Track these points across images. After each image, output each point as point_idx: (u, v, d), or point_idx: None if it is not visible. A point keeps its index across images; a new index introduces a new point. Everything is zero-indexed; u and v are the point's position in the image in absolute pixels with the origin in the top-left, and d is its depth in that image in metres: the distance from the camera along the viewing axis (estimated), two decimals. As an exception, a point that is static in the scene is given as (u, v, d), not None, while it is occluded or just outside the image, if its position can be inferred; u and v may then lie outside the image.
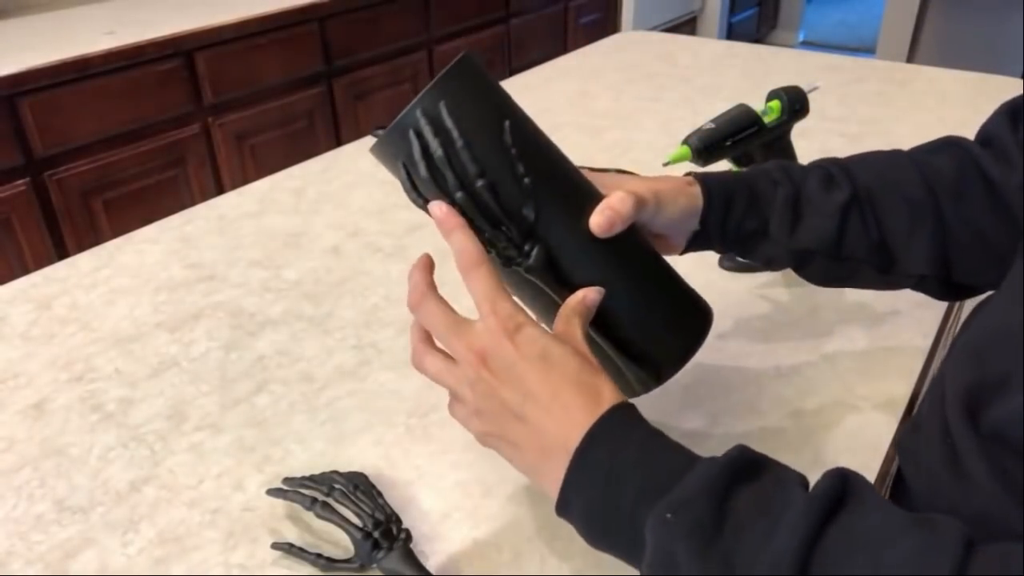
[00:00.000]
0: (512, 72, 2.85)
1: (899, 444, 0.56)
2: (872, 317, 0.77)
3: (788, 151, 0.85)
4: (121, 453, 0.62)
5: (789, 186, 0.59)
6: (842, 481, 0.38)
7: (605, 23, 3.50)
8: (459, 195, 0.48)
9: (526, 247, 0.50)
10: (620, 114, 1.30)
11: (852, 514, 0.36)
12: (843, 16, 5.62)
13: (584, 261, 0.51)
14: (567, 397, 0.43)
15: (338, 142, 2.29)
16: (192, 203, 1.04)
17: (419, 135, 0.48)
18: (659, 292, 0.54)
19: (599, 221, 0.50)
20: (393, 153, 0.50)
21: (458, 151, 0.48)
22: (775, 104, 0.81)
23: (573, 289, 0.50)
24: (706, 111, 0.81)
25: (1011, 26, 3.66)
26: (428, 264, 0.50)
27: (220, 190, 2.02)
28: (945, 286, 0.60)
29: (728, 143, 0.77)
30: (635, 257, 0.53)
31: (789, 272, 0.85)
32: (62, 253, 1.76)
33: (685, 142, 0.77)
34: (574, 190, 0.52)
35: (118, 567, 0.53)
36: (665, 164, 0.77)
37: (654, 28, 3.79)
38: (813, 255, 0.59)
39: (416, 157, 0.48)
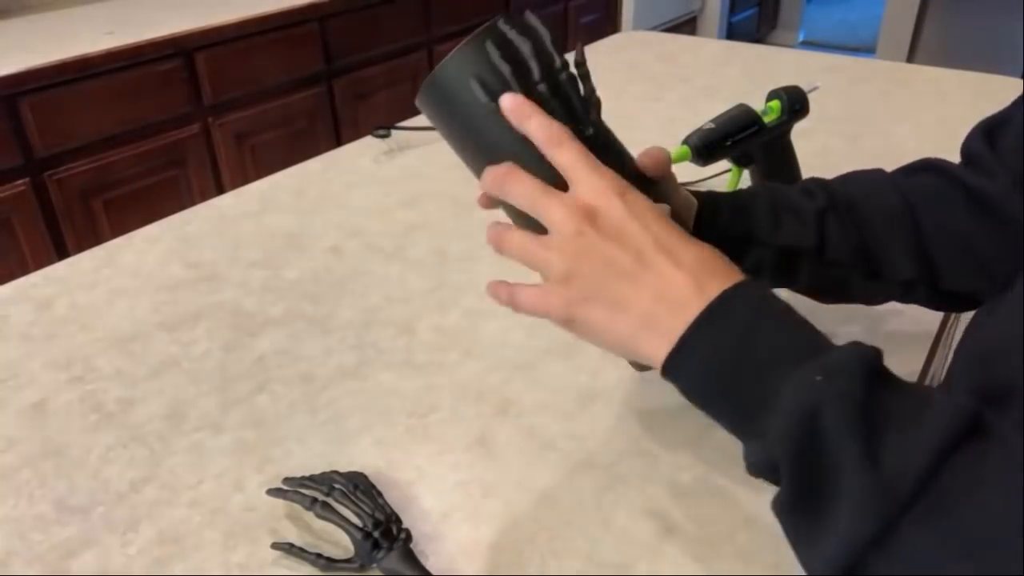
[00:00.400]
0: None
1: None
2: (872, 317, 0.77)
3: (788, 151, 0.85)
4: (121, 453, 0.62)
5: (767, 194, 0.61)
6: (975, 412, 0.35)
7: (605, 23, 3.50)
8: (542, 87, 0.47)
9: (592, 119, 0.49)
10: (620, 114, 1.30)
11: (991, 437, 0.35)
12: (843, 16, 5.62)
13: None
14: (699, 251, 0.42)
15: (338, 142, 2.29)
16: (192, 203, 1.04)
17: (503, 42, 0.47)
18: None
19: (650, 157, 0.50)
20: (456, 83, 0.48)
21: (545, 45, 0.48)
22: (775, 104, 0.81)
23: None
24: (706, 111, 0.81)
25: (1011, 26, 3.66)
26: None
27: (220, 190, 2.02)
28: (935, 293, 0.61)
29: (728, 143, 0.77)
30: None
31: (789, 272, 0.85)
32: (62, 253, 1.76)
33: (685, 142, 0.77)
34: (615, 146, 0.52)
35: (118, 567, 0.53)
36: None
37: (654, 28, 3.79)
38: (798, 256, 0.59)
39: (496, 60, 0.47)
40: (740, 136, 0.78)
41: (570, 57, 0.50)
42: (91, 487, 0.59)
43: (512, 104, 0.46)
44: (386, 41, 2.43)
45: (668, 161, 0.52)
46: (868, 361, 0.37)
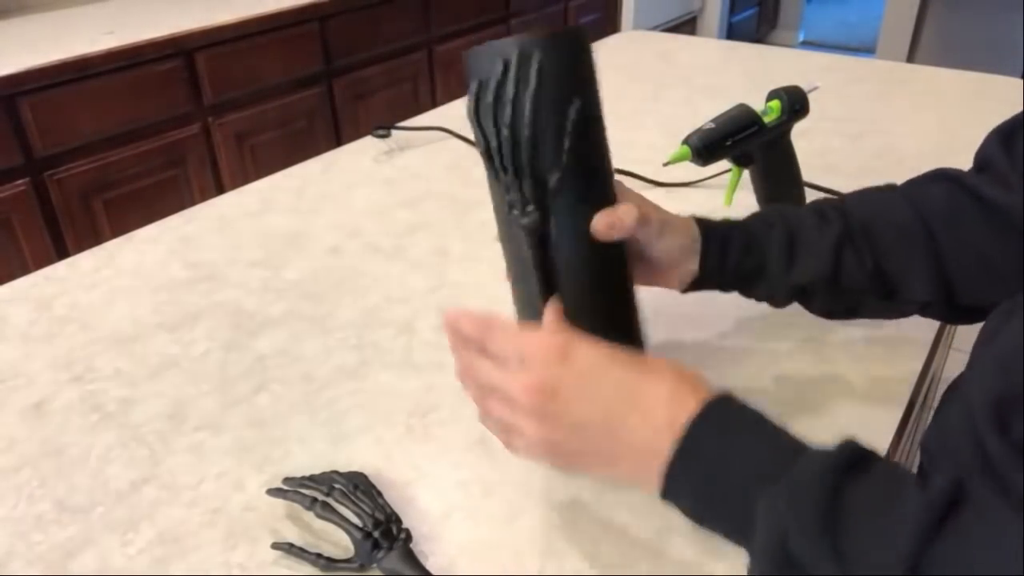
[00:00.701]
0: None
1: (923, 446, 0.56)
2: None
3: (788, 151, 0.85)
4: (121, 453, 0.62)
5: (783, 227, 0.60)
6: (958, 486, 0.37)
7: (605, 23, 3.50)
8: (504, 132, 0.52)
9: (529, 207, 0.53)
10: (620, 114, 1.30)
11: (968, 517, 0.35)
12: (843, 16, 5.62)
13: (568, 247, 0.55)
14: (658, 385, 0.44)
15: (338, 142, 2.29)
16: (192, 203, 1.04)
17: (504, 67, 0.52)
18: (611, 308, 0.58)
19: (602, 223, 0.54)
20: (477, 68, 0.54)
21: (525, 96, 0.51)
22: (775, 104, 0.81)
23: (548, 264, 0.54)
24: (706, 111, 0.81)
25: (1011, 26, 3.66)
26: (458, 324, 0.51)
27: (220, 190, 2.02)
28: (953, 309, 0.60)
29: (728, 143, 0.77)
30: (608, 268, 0.57)
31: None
32: (62, 253, 1.76)
33: (685, 142, 0.77)
34: (599, 187, 0.56)
35: (118, 567, 0.53)
36: (666, 164, 0.77)
37: (654, 28, 3.79)
38: (813, 288, 0.60)
39: (491, 83, 0.52)
40: (740, 136, 0.78)
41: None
42: (91, 487, 0.59)
43: (445, 319, 0.51)
44: (386, 41, 2.43)
45: (626, 224, 0.54)
46: (832, 466, 0.38)
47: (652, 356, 0.49)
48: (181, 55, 1.90)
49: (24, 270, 0.96)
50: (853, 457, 0.39)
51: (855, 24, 5.40)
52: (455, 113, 1.33)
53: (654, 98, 1.40)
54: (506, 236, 0.57)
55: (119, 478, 0.60)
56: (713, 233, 0.59)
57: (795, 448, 0.41)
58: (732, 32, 4.53)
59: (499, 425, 0.50)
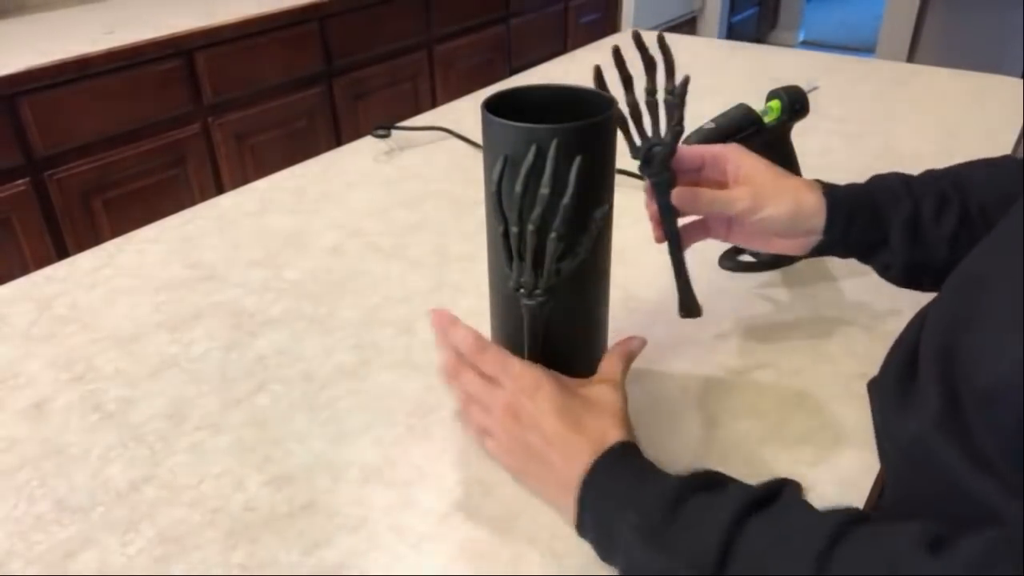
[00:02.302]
0: (512, 72, 2.85)
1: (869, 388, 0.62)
2: (872, 316, 0.77)
3: (788, 151, 0.85)
4: (121, 453, 0.62)
5: (908, 203, 0.62)
6: (777, 485, 0.45)
7: (605, 23, 3.50)
8: (531, 227, 0.53)
9: (537, 291, 0.56)
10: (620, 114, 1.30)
11: (773, 512, 0.43)
12: (843, 16, 5.62)
13: (566, 322, 0.59)
14: (580, 439, 0.52)
15: (338, 142, 2.29)
16: (192, 203, 1.04)
17: (538, 153, 0.51)
18: (588, 363, 0.62)
19: (607, 365, 0.61)
20: (501, 139, 0.53)
21: (559, 203, 0.51)
22: (775, 104, 0.81)
23: (539, 330, 0.58)
24: (706, 111, 0.81)
25: (1011, 26, 3.66)
26: (449, 331, 0.60)
27: (220, 190, 2.02)
28: None
29: (728, 143, 0.78)
30: (594, 333, 0.63)
31: (789, 272, 0.85)
32: (62, 253, 1.76)
33: (684, 142, 0.77)
34: (605, 266, 0.61)
35: (118, 567, 0.53)
36: None
37: (654, 28, 3.79)
38: (926, 267, 0.63)
39: (523, 171, 0.51)
40: (740, 136, 0.78)
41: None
42: (91, 487, 0.59)
43: (435, 318, 0.61)
44: (386, 41, 2.43)
45: (622, 365, 0.60)
46: (669, 491, 0.47)
47: (601, 397, 0.56)
48: (181, 55, 1.90)
49: (24, 270, 0.96)
50: (698, 479, 0.47)
51: (855, 24, 5.40)
52: (455, 114, 1.33)
53: (654, 98, 1.40)
54: (503, 306, 0.61)
55: (119, 478, 0.60)
56: (839, 204, 0.63)
57: (659, 481, 0.49)
58: (732, 32, 4.53)
59: (476, 426, 0.59)
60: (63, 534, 0.55)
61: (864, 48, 4.61)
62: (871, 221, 0.63)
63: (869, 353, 0.72)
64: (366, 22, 2.34)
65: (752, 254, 0.86)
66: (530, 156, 0.51)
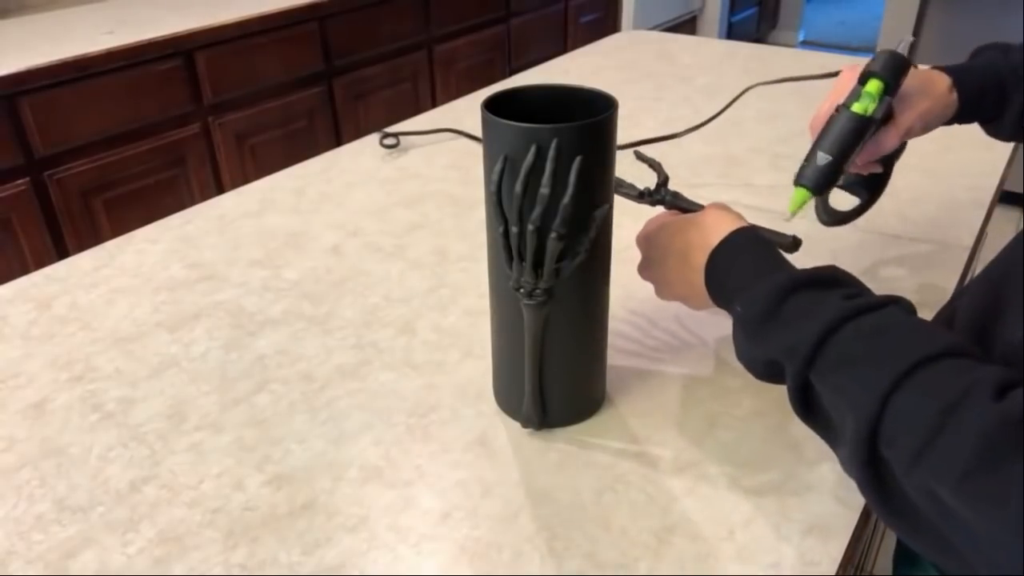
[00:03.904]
0: (512, 72, 2.85)
1: None
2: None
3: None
4: (121, 453, 0.62)
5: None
6: (885, 300, 0.47)
7: (605, 23, 3.50)
8: (531, 228, 0.53)
9: (537, 292, 0.55)
10: (620, 113, 1.30)
11: (871, 320, 0.46)
12: (843, 16, 5.62)
13: (566, 323, 0.59)
14: (704, 228, 0.60)
15: (338, 142, 2.29)
16: (192, 203, 1.04)
17: (538, 153, 0.51)
18: (588, 364, 0.63)
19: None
20: (499, 138, 0.53)
21: (559, 203, 0.51)
22: (874, 86, 0.65)
23: (538, 330, 0.58)
24: (706, 110, 0.81)
25: (1011, 26, 3.66)
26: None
27: (220, 190, 2.02)
28: None
29: (847, 164, 0.65)
30: (594, 335, 0.63)
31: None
32: (62, 253, 1.76)
33: (800, 183, 0.65)
34: (605, 265, 0.60)
35: (118, 567, 0.53)
36: (789, 218, 0.66)
37: (654, 28, 3.79)
38: None
39: (523, 171, 0.51)
40: (855, 151, 0.64)
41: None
42: (91, 487, 0.59)
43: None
44: (386, 41, 2.42)
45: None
46: (777, 286, 0.50)
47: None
48: (181, 55, 1.90)
49: (24, 270, 0.96)
50: (808, 278, 0.50)
51: (855, 24, 5.40)
52: (455, 114, 1.33)
53: (654, 98, 1.40)
54: (504, 302, 0.60)
55: (119, 478, 0.60)
56: (969, 94, 0.69)
57: (773, 268, 0.54)
58: (732, 32, 4.53)
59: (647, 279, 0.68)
60: (63, 534, 0.55)
61: (864, 48, 4.61)
62: (996, 102, 0.70)
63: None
64: (366, 22, 2.34)
65: (853, 187, 0.78)
66: (530, 156, 0.51)
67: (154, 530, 0.55)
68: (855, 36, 5.10)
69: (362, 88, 2.38)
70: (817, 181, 0.64)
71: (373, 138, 1.23)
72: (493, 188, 0.53)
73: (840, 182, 0.69)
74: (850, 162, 0.65)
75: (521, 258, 0.55)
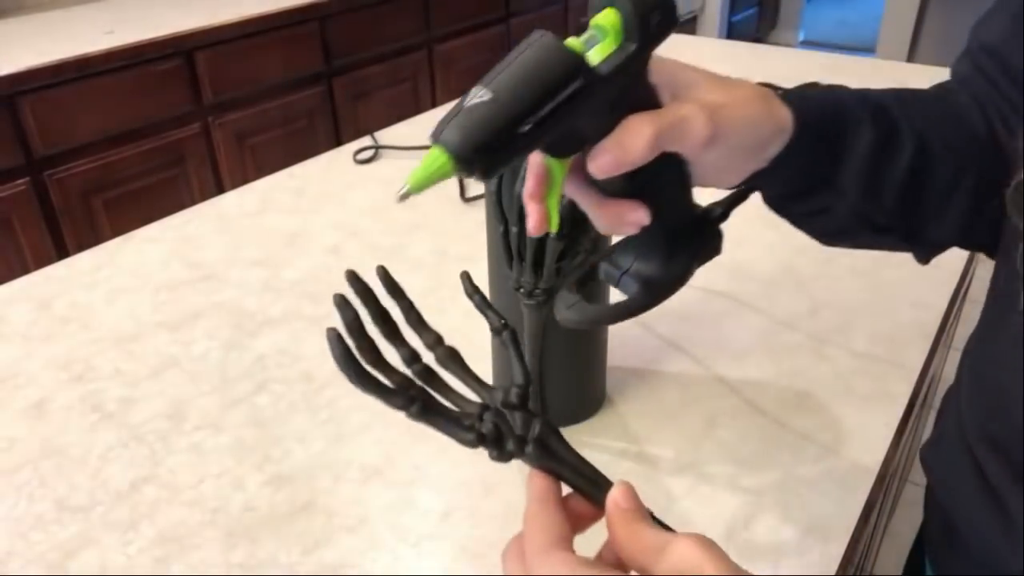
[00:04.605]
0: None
1: (923, 458, 0.55)
2: (872, 316, 0.77)
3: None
4: (121, 453, 0.62)
5: (872, 131, 0.47)
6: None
7: (605, 23, 3.50)
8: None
9: (537, 291, 0.55)
10: (620, 114, 1.30)
11: None
12: (843, 16, 5.62)
13: (563, 329, 0.53)
14: None
15: (338, 142, 2.29)
16: (192, 203, 1.04)
17: None
18: (582, 386, 0.64)
19: (602, 163, 0.37)
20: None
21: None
22: (609, 18, 0.36)
23: (539, 340, 0.58)
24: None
25: (1011, 26, 3.66)
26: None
27: (220, 190, 2.02)
28: (938, 248, 0.53)
29: (527, 127, 0.33)
30: (594, 333, 0.62)
31: (789, 270, 0.85)
32: (62, 253, 1.76)
33: (438, 140, 0.35)
34: (601, 284, 0.57)
35: (118, 567, 0.53)
36: (403, 195, 0.36)
37: (654, 28, 3.78)
38: (859, 227, 0.49)
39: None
40: (548, 111, 0.33)
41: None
42: (91, 487, 0.59)
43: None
44: (386, 41, 2.43)
45: (632, 157, 0.36)
46: None
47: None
48: (181, 55, 1.90)
49: (24, 270, 0.96)
50: None
51: (855, 24, 5.40)
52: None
53: (654, 98, 1.40)
54: (499, 290, 0.60)
55: (119, 478, 0.60)
56: (807, 126, 0.44)
57: None
58: (732, 32, 4.53)
59: None
60: (63, 534, 0.55)
61: (864, 48, 4.61)
62: (830, 147, 0.46)
63: (869, 352, 0.72)
64: (366, 22, 2.34)
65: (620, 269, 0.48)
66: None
67: (154, 530, 0.55)
68: (855, 36, 5.10)
69: (362, 88, 2.38)
70: (459, 144, 0.34)
71: (370, 140, 1.23)
72: (493, 188, 0.53)
73: (598, 270, 0.47)
74: (531, 129, 0.33)
75: (521, 258, 0.55)
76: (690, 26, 4.31)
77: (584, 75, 0.34)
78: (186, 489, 0.59)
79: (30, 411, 0.67)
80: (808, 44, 5.09)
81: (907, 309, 0.78)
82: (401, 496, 0.58)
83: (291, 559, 0.53)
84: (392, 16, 2.42)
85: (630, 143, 0.36)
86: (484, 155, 0.34)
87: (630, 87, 0.37)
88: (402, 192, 0.36)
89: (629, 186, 0.38)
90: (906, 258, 0.54)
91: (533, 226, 0.39)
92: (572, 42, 0.35)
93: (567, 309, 0.48)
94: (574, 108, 0.34)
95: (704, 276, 0.82)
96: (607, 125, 0.36)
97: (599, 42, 0.36)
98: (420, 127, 1.26)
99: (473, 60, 2.74)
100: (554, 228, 0.40)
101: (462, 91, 0.34)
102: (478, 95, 0.34)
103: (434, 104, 2.55)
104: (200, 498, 0.58)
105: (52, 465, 0.61)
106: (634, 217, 0.39)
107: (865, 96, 0.50)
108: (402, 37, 2.48)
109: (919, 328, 0.75)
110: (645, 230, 0.40)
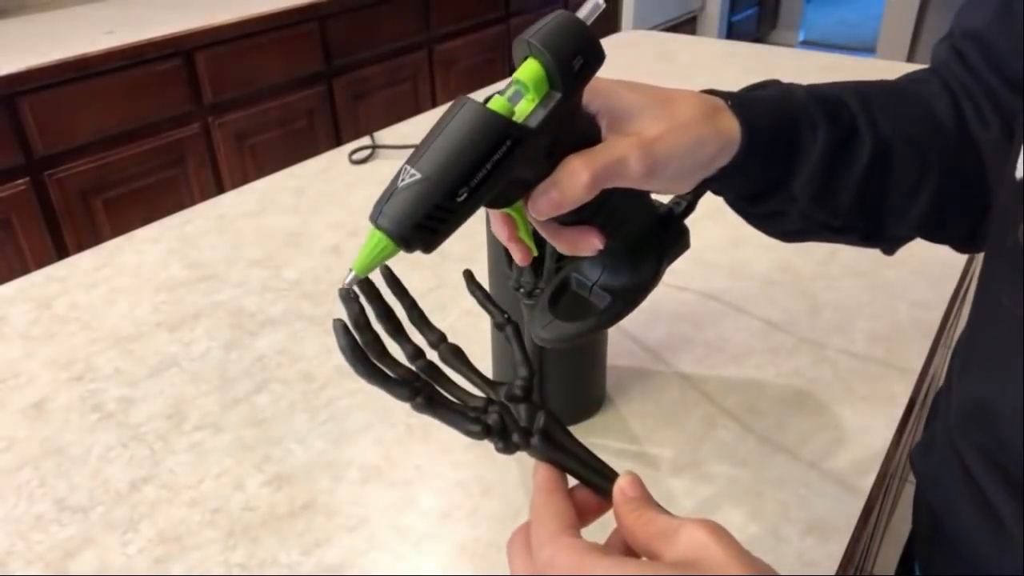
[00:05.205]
0: (512, 72, 2.85)
1: (912, 461, 0.55)
2: (872, 316, 0.77)
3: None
4: (121, 453, 0.62)
5: (827, 135, 0.47)
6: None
7: (605, 23, 3.50)
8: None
9: (537, 291, 0.55)
10: (620, 114, 1.30)
11: None
12: (843, 16, 5.62)
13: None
14: None
15: (338, 142, 2.29)
16: (192, 203, 1.04)
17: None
18: (582, 386, 0.65)
19: (541, 204, 0.38)
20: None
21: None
22: (531, 71, 0.36)
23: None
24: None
25: (1011, 26, 3.66)
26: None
27: (220, 190, 2.02)
28: (902, 241, 0.52)
29: (461, 196, 0.35)
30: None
31: (789, 270, 0.85)
32: (62, 253, 1.76)
33: (377, 223, 0.37)
34: None
35: (118, 567, 0.53)
36: (349, 283, 0.38)
37: (654, 27, 3.79)
38: (811, 229, 0.49)
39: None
40: (481, 176, 0.34)
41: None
42: (91, 487, 0.59)
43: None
44: (386, 41, 2.43)
45: (571, 198, 0.37)
46: None
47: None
48: (181, 55, 1.90)
49: (24, 270, 0.96)
50: None
51: (855, 24, 5.40)
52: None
53: (654, 98, 1.40)
54: (499, 290, 0.60)
55: (119, 478, 0.60)
56: (756, 140, 0.44)
57: None
58: (732, 32, 4.53)
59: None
60: (63, 534, 0.55)
61: (864, 48, 4.61)
62: (783, 158, 0.46)
63: (868, 353, 0.72)
64: (366, 22, 2.34)
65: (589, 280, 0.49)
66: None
67: (154, 530, 0.55)
68: (855, 36, 5.10)
69: (362, 88, 2.38)
70: (400, 222, 0.35)
71: (369, 140, 1.23)
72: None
73: (570, 280, 0.48)
74: (470, 196, 0.34)
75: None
76: (690, 26, 4.31)
77: (513, 134, 0.34)
78: (186, 489, 0.59)
79: (30, 411, 0.67)
80: (808, 44, 5.09)
81: (907, 309, 0.78)
82: (401, 496, 0.58)
83: (291, 559, 0.53)
84: (392, 16, 2.42)
85: (567, 187, 0.37)
86: (424, 232, 0.35)
87: (563, 129, 0.36)
88: (348, 280, 0.37)
89: (579, 216, 0.39)
90: (906, 258, 0.54)
91: (519, 260, 0.42)
92: (497, 102, 0.35)
93: (542, 329, 0.48)
94: (508, 166, 0.34)
95: (704, 276, 0.83)
96: (546, 168, 0.37)
97: (523, 96, 0.36)
98: (420, 127, 1.26)
99: (473, 60, 2.74)
100: (535, 254, 0.42)
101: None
102: (409, 174, 0.35)
103: (434, 104, 2.55)
104: (200, 498, 0.58)
105: (52, 465, 0.61)
106: (587, 244, 0.41)
107: (822, 95, 0.49)
108: (402, 37, 2.48)
109: (919, 328, 0.75)
110: (608, 245, 0.41)
